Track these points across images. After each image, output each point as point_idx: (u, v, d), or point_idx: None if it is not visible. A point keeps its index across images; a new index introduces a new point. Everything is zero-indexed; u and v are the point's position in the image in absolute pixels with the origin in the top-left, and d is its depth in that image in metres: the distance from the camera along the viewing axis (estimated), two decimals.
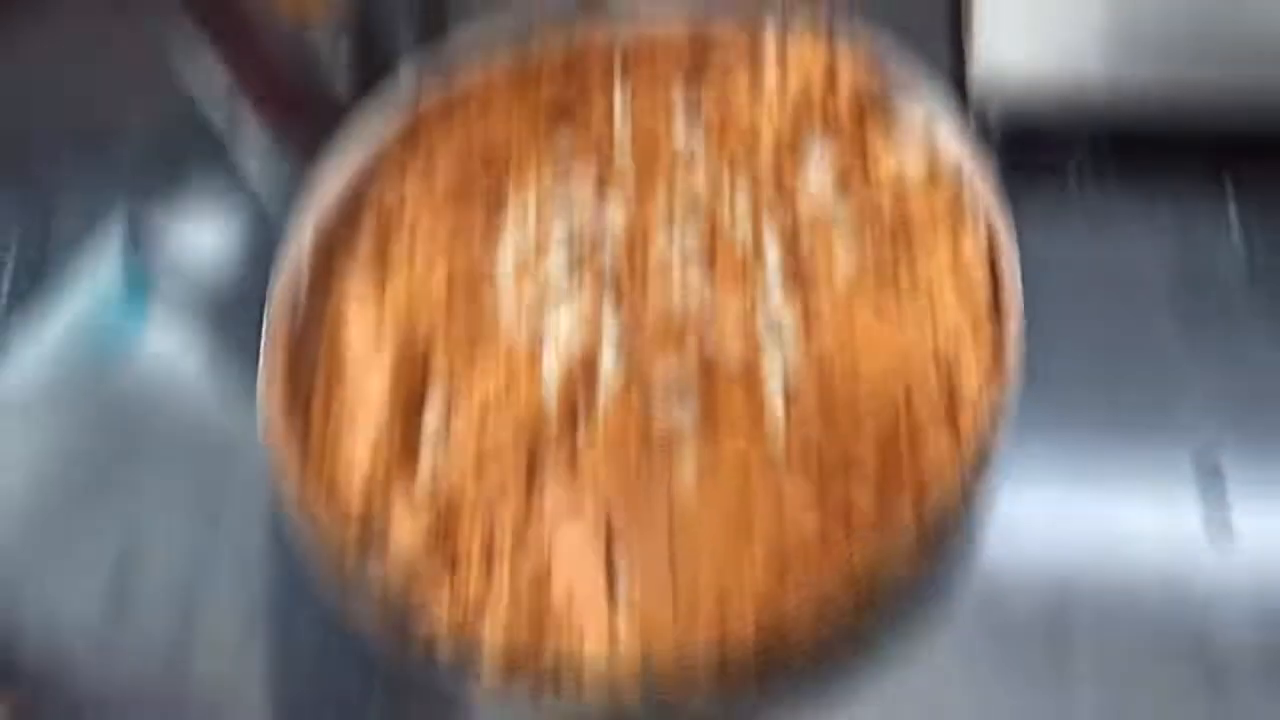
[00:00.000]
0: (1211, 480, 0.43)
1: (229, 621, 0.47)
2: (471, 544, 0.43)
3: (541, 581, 0.42)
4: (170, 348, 0.55)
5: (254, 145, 0.60)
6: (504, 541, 0.43)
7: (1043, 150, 0.52)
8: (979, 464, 0.42)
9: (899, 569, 0.41)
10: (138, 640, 0.47)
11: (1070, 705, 0.40)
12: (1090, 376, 0.46)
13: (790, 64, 0.52)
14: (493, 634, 0.41)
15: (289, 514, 0.43)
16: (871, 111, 0.50)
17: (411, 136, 0.53)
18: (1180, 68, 0.47)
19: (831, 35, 0.51)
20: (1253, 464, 0.43)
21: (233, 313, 0.55)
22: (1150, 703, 0.40)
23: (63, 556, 0.49)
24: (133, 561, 0.49)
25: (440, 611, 0.42)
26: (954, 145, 0.48)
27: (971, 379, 0.44)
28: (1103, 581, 0.42)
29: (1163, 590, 0.41)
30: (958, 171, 0.48)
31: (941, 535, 0.41)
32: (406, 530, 0.44)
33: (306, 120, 0.59)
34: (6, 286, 0.58)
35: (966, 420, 0.43)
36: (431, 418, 0.46)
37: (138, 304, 0.57)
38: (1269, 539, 0.42)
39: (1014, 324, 0.43)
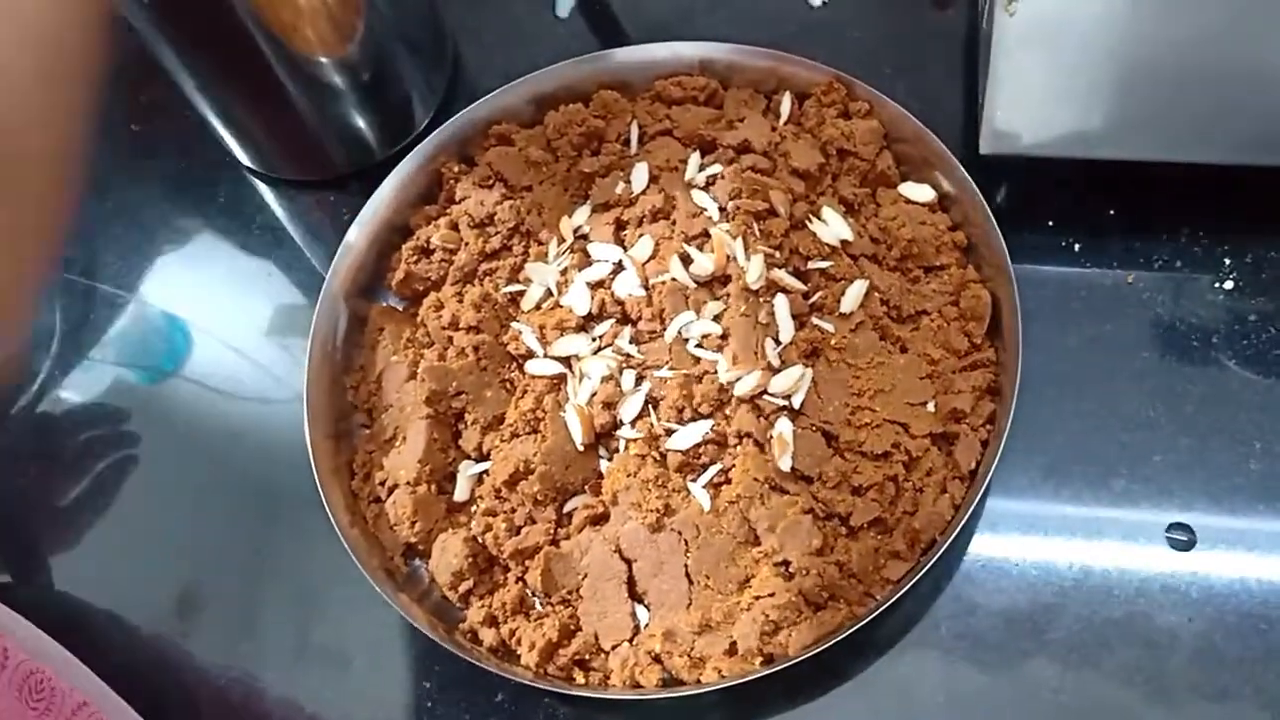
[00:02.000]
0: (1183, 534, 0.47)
1: (286, 621, 0.51)
2: (507, 557, 0.48)
3: (571, 589, 0.47)
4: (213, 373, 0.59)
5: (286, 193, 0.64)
6: (538, 554, 0.48)
7: (1041, 201, 0.55)
8: (972, 486, 0.46)
9: (892, 575, 0.45)
10: (202, 646, 0.51)
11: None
12: (1070, 417, 0.50)
13: (807, 109, 0.55)
14: (529, 632, 0.46)
15: (341, 532, 0.48)
16: (883, 153, 0.54)
17: (439, 186, 0.57)
18: (1181, 146, 0.50)
19: (849, 87, 0.55)
20: (1223, 524, 0.47)
21: (268, 347, 0.60)
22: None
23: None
24: (192, 576, 0.53)
25: (482, 612, 0.47)
26: (961, 183, 0.51)
27: (968, 403, 0.48)
28: (1073, 631, 0.46)
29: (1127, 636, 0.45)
30: (962, 205, 0.52)
31: (931, 545, 0.45)
32: (450, 546, 0.48)
33: (328, 163, 0.62)
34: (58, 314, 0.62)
35: (963, 442, 0.47)
36: (467, 445, 0.51)
37: (180, 334, 0.61)
38: (1228, 595, 0.46)
39: (1014, 354, 0.47)
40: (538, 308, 0.53)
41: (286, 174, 0.64)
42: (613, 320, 0.52)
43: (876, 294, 0.50)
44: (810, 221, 0.52)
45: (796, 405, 0.48)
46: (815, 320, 0.50)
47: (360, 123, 0.61)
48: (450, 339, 0.52)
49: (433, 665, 0.49)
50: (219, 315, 0.61)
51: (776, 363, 0.49)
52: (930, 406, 0.48)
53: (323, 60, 0.56)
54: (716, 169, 0.54)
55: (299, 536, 0.53)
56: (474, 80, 0.65)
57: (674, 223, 0.53)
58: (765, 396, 0.48)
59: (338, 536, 0.47)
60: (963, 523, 0.44)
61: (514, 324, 0.53)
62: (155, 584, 0.53)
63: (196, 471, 0.56)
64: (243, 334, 0.60)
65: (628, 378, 0.50)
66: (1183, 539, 0.47)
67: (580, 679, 0.46)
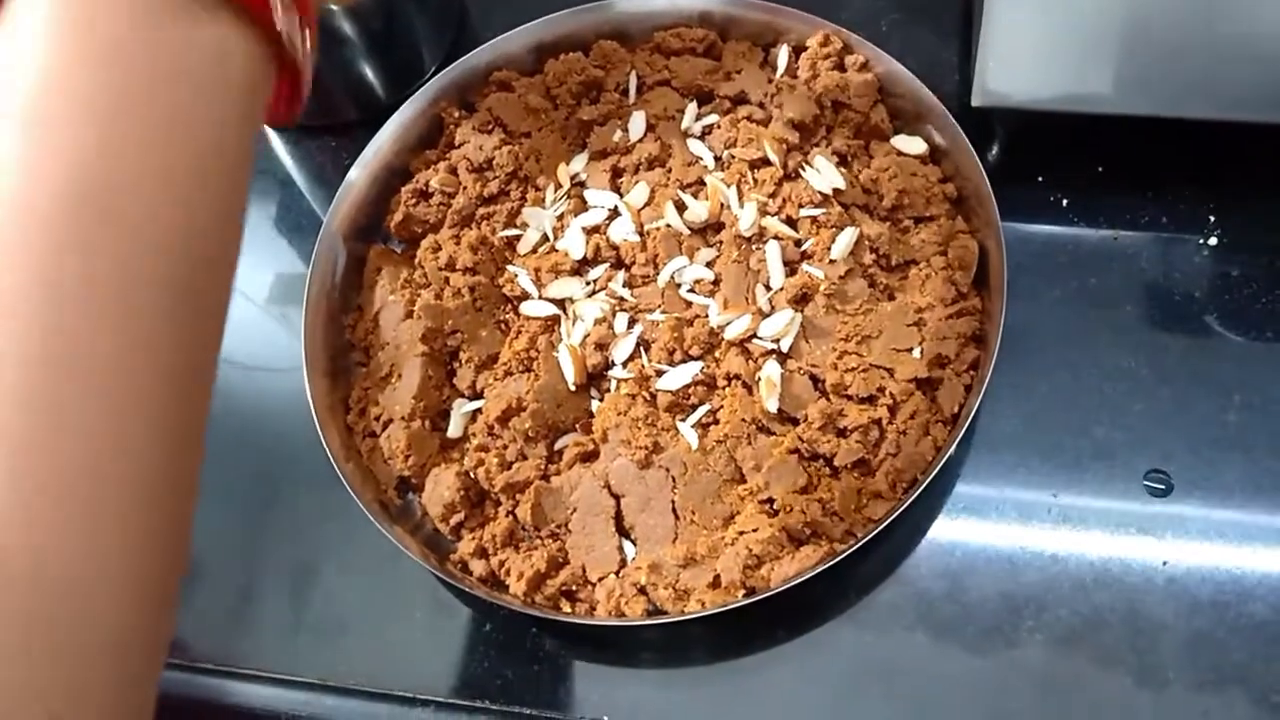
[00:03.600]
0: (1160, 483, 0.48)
1: (287, 557, 0.52)
2: (498, 491, 0.49)
3: (560, 523, 0.48)
4: None
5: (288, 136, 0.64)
6: (528, 489, 0.49)
7: (1032, 156, 0.56)
8: (954, 429, 0.47)
9: (874, 514, 0.46)
10: (206, 585, 0.52)
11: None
12: (1054, 367, 0.51)
13: (802, 62, 0.56)
14: (517, 563, 0.47)
15: (337, 466, 0.49)
16: (876, 106, 0.55)
17: (439, 131, 0.58)
18: (1172, 101, 0.50)
19: (845, 41, 0.55)
20: (1200, 473, 0.48)
21: (274, 293, 0.60)
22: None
23: None
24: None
25: (472, 544, 0.48)
26: (953, 137, 0.52)
27: (952, 349, 0.49)
28: (1050, 571, 0.47)
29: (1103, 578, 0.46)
30: (953, 158, 0.52)
31: (914, 487, 0.46)
32: (443, 479, 0.49)
33: (335, 109, 0.63)
34: None
35: (947, 387, 0.48)
36: (461, 383, 0.52)
37: None
38: (1204, 542, 0.47)
39: (1000, 302, 0.48)
40: (534, 251, 0.54)
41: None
42: (607, 264, 0.53)
43: (866, 242, 0.51)
44: (803, 170, 0.53)
45: (785, 349, 0.49)
46: (806, 267, 0.51)
47: (368, 71, 0.62)
48: (447, 280, 0.53)
49: (423, 595, 0.50)
50: None
51: (767, 308, 0.50)
52: (916, 353, 0.49)
53: (333, 8, 0.57)
54: (713, 119, 0.55)
55: (299, 476, 0.54)
56: (480, 30, 0.65)
57: (669, 170, 0.54)
58: (755, 340, 0.49)
59: (334, 470, 0.49)
60: (943, 463, 0.45)
61: (510, 267, 0.54)
62: None
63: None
64: (250, 283, 0.60)
65: (620, 320, 0.51)
66: (1160, 486, 0.48)
67: (567, 609, 0.47)
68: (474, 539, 0.49)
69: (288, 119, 0.34)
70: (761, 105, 0.55)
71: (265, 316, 0.59)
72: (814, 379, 0.49)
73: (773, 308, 0.50)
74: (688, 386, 0.49)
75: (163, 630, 0.27)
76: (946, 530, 0.49)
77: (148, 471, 0.26)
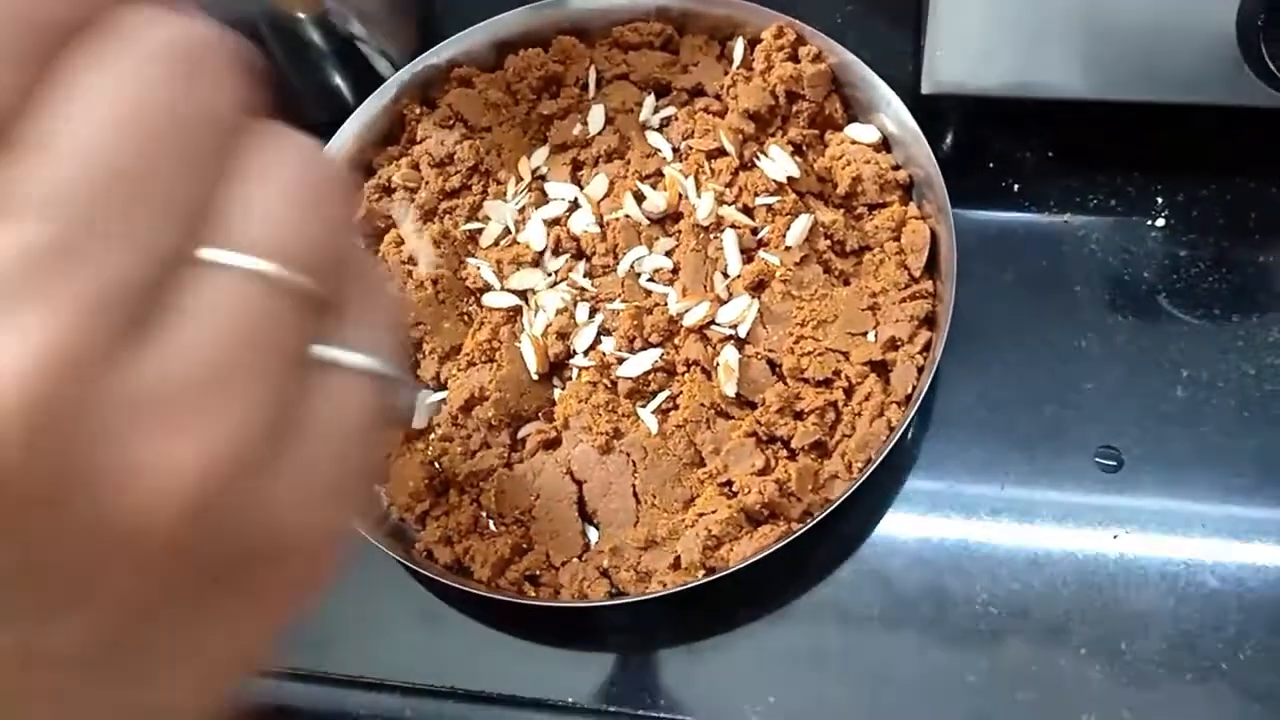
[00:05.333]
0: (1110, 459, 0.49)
1: None
2: (462, 479, 0.50)
3: (524, 509, 0.49)
4: None
5: None
6: (492, 477, 0.49)
7: (983, 143, 0.57)
8: (906, 408, 0.48)
9: (831, 494, 0.47)
10: None
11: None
12: (1006, 349, 0.52)
13: (757, 54, 0.57)
14: (482, 550, 0.48)
15: None
16: (831, 96, 0.56)
17: (401, 127, 0.59)
18: (1117, 84, 0.51)
19: (800, 33, 0.56)
20: (1150, 449, 0.49)
21: None
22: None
23: None
24: None
25: (437, 532, 0.49)
26: (904, 125, 0.53)
27: (905, 331, 0.50)
28: (1003, 547, 0.48)
29: (1055, 553, 0.47)
30: (905, 146, 0.53)
31: (868, 466, 0.47)
32: (407, 469, 0.50)
33: (301, 113, 0.64)
34: None
35: (900, 369, 0.49)
36: (425, 375, 0.52)
37: None
38: (1154, 515, 0.48)
39: (949, 284, 0.49)
40: (496, 244, 0.55)
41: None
42: (568, 255, 0.53)
43: (821, 229, 0.52)
44: (759, 160, 0.53)
45: (743, 335, 0.50)
46: (762, 254, 0.52)
47: (336, 76, 0.62)
48: (409, 273, 0.54)
49: (389, 583, 0.51)
50: None
51: (725, 295, 0.51)
52: (871, 336, 0.50)
53: (300, 16, 0.58)
54: (670, 111, 0.56)
55: None
56: (445, 31, 0.66)
57: (629, 162, 0.55)
58: (713, 326, 0.50)
59: None
60: (895, 442, 0.46)
61: (471, 260, 0.54)
62: None
63: None
64: None
65: (581, 310, 0.52)
66: (1111, 463, 0.49)
67: (531, 593, 0.48)
68: (439, 527, 0.49)
69: None
70: (718, 97, 0.56)
71: None
72: (771, 363, 0.50)
73: (730, 295, 0.51)
74: (648, 373, 0.50)
75: None
76: (903, 510, 0.50)
77: None
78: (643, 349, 0.50)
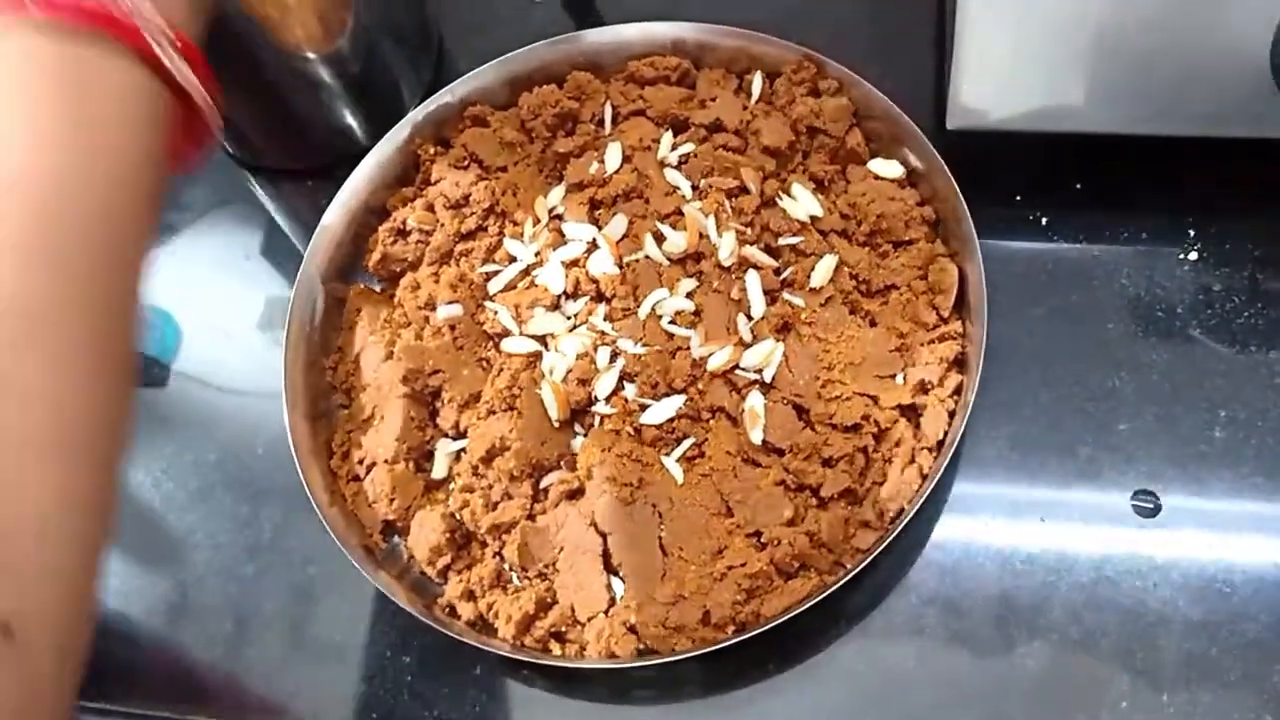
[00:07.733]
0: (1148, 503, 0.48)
1: (274, 602, 0.52)
2: (484, 532, 0.48)
3: (548, 562, 0.48)
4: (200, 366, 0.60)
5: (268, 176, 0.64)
6: (514, 529, 0.48)
7: (1009, 175, 0.56)
8: (939, 456, 0.47)
9: (862, 544, 0.46)
10: (195, 629, 0.52)
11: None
12: (1038, 388, 0.51)
13: (777, 88, 0.56)
14: (506, 605, 0.47)
15: (321, 511, 0.48)
16: (852, 130, 0.55)
17: (415, 168, 0.58)
18: (1147, 119, 0.50)
19: (820, 66, 0.55)
20: (1188, 491, 0.48)
21: (255, 336, 0.60)
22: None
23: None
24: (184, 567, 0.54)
25: (459, 587, 0.48)
26: (929, 159, 0.52)
27: (935, 374, 0.49)
28: (1040, 594, 0.47)
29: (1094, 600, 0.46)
30: (930, 180, 0.52)
31: (901, 516, 0.46)
32: (428, 522, 0.49)
33: (315, 152, 0.63)
34: None
35: (930, 413, 0.48)
36: (444, 423, 0.51)
37: (169, 327, 0.62)
38: (1193, 560, 0.47)
39: (979, 326, 0.48)
40: (513, 287, 0.54)
41: (272, 164, 0.64)
42: (587, 298, 0.52)
43: (846, 269, 0.51)
44: (781, 199, 0.52)
45: (768, 379, 0.49)
46: (786, 295, 0.51)
47: (348, 115, 0.61)
48: (427, 319, 0.53)
49: (412, 641, 0.50)
50: (208, 307, 0.62)
51: (748, 338, 0.50)
52: (899, 379, 0.49)
53: (311, 56, 0.57)
54: (689, 148, 0.55)
55: (284, 520, 0.54)
56: (457, 67, 0.65)
57: (647, 201, 0.54)
58: (737, 371, 0.49)
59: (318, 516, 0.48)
60: (929, 491, 0.45)
61: (489, 303, 0.53)
62: (147, 578, 0.54)
63: (190, 461, 0.57)
64: (232, 325, 0.60)
65: (602, 354, 0.51)
66: (1148, 506, 0.48)
67: (557, 650, 0.47)
68: (461, 581, 0.48)
69: (199, 152, 0.40)
70: (737, 132, 0.55)
71: (254, 367, 0.59)
72: (798, 409, 0.49)
73: (754, 338, 0.50)
74: (671, 420, 0.49)
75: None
76: (935, 556, 0.48)
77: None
78: (666, 395, 0.49)
